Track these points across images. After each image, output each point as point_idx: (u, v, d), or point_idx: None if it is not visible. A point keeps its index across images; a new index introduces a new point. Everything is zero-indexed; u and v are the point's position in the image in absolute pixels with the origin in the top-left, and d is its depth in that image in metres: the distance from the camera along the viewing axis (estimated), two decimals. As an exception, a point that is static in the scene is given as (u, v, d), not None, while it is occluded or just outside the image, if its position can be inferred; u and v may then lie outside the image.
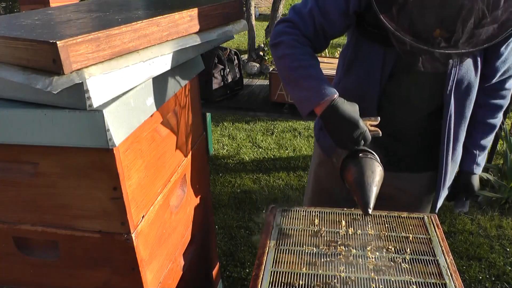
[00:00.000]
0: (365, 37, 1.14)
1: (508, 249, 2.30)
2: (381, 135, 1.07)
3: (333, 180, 1.39)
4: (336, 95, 1.06)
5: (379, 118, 1.09)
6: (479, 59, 1.14)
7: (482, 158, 1.33)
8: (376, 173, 1.03)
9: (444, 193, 1.34)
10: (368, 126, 1.06)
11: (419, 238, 1.09)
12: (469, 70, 1.14)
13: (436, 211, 1.33)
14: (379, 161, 1.06)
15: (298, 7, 1.14)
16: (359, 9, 1.09)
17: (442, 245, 1.06)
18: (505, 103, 1.28)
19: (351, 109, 1.04)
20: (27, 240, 1.05)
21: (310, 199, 1.54)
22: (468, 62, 1.13)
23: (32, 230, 1.01)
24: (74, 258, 1.03)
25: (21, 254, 1.06)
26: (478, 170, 1.33)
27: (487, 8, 0.94)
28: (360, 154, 1.05)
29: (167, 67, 0.99)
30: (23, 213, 1.00)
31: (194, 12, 1.01)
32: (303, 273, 0.97)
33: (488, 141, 1.32)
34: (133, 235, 0.96)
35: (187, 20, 0.99)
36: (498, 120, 1.30)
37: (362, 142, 1.04)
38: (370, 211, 1.00)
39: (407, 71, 1.13)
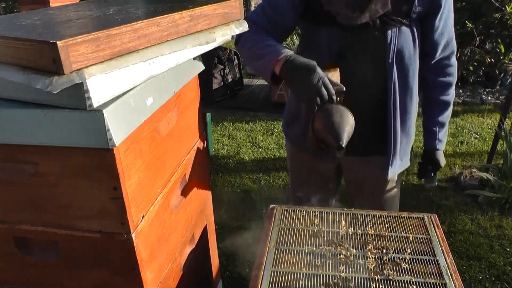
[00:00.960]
0: (311, 23, 1.25)
1: (508, 249, 2.30)
2: (344, 89, 1.09)
3: (308, 170, 1.50)
4: (292, 52, 1.12)
5: (338, 69, 1.15)
6: (415, 31, 1.22)
7: (442, 135, 1.40)
8: (345, 117, 1.02)
9: (396, 163, 1.38)
10: (330, 78, 1.07)
11: (419, 238, 1.09)
12: (407, 42, 1.22)
13: (388, 177, 1.38)
14: (348, 110, 1.06)
15: (256, 9, 1.29)
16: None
17: (442, 245, 1.06)
18: (452, 79, 1.34)
19: (307, 60, 1.08)
20: (27, 240, 1.05)
21: (293, 193, 1.61)
22: (406, 34, 1.21)
23: (32, 230, 1.01)
24: (74, 258, 1.03)
25: (21, 254, 1.06)
26: (441, 146, 1.40)
27: None
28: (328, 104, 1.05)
29: (167, 67, 0.99)
30: (23, 213, 1.00)
31: (194, 12, 1.01)
32: (303, 273, 0.97)
33: (445, 118, 1.38)
34: (133, 235, 0.96)
35: (187, 20, 0.99)
36: (450, 96, 1.37)
37: (323, 89, 1.04)
38: (343, 143, 0.99)
39: (351, 48, 1.23)
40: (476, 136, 3.69)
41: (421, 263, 1.00)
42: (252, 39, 1.22)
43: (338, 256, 1.02)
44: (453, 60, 1.33)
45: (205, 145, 1.44)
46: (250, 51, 1.22)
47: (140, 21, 0.86)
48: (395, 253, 1.03)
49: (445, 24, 1.24)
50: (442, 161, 1.42)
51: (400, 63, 1.24)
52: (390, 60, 1.22)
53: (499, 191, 2.65)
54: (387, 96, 1.27)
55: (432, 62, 1.31)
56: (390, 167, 1.36)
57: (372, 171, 1.42)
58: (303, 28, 1.34)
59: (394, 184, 1.48)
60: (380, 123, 1.31)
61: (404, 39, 1.21)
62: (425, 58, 1.31)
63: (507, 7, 3.74)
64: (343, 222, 1.15)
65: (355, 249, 1.04)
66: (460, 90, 4.68)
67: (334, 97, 1.05)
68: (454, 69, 1.33)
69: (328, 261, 1.00)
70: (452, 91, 1.37)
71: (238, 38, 1.25)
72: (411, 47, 1.23)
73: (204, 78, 2.61)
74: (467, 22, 3.84)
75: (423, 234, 1.10)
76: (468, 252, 2.28)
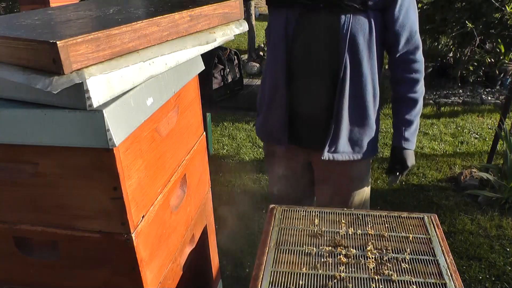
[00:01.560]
0: (271, 5, 1.32)
1: (508, 249, 2.30)
2: None
3: (282, 164, 1.53)
4: None
5: None
6: (373, 21, 1.24)
7: (410, 134, 1.38)
8: None
9: (340, 147, 1.38)
10: None
11: (419, 238, 1.09)
12: (362, 29, 1.24)
13: (323, 157, 1.38)
14: None
15: None
16: None
17: (442, 245, 1.06)
18: (419, 76, 1.35)
19: None
20: (27, 240, 1.05)
21: (273, 187, 1.65)
22: (361, 21, 1.23)
23: (32, 230, 1.01)
24: (74, 258, 1.03)
25: (21, 254, 1.06)
26: (408, 145, 1.39)
27: None
28: None
29: (167, 67, 0.99)
30: (23, 213, 1.00)
31: (194, 12, 1.01)
32: (303, 273, 0.97)
33: (412, 116, 1.38)
34: (133, 235, 0.96)
35: (187, 20, 0.99)
36: (418, 94, 1.37)
37: None
38: None
39: (305, 31, 1.26)
40: (476, 136, 3.69)
41: (421, 263, 1.00)
42: None
43: (338, 256, 1.02)
44: (419, 56, 1.33)
45: (205, 145, 1.44)
46: None
47: (140, 21, 0.86)
48: (395, 253, 1.03)
49: (406, 16, 1.25)
50: (410, 161, 1.40)
51: (353, 50, 1.24)
52: (342, 45, 1.23)
53: (499, 191, 2.65)
54: (336, 79, 1.29)
55: (397, 56, 1.32)
56: (326, 146, 1.36)
57: (335, 167, 1.43)
58: (269, 9, 1.39)
59: (359, 182, 1.48)
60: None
61: (359, 26, 1.22)
62: (389, 52, 1.33)
63: (507, 7, 3.74)
64: (343, 222, 1.15)
65: (355, 249, 1.04)
66: (460, 90, 4.68)
67: None
68: (420, 65, 1.33)
69: (328, 261, 1.01)
70: (419, 88, 1.36)
71: None
72: (366, 35, 1.24)
73: (204, 78, 2.61)
74: (467, 22, 3.84)
75: (423, 234, 1.10)
76: (468, 252, 2.28)
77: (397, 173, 1.44)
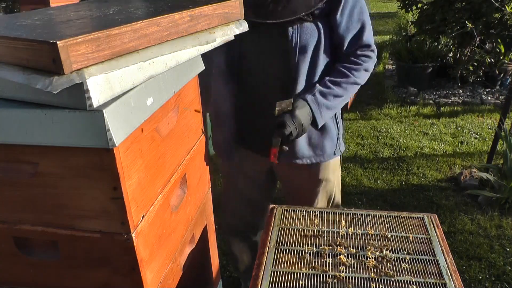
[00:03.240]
0: None
1: (508, 249, 2.30)
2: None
3: (235, 175, 1.56)
4: None
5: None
6: (321, 26, 1.24)
7: (323, 95, 1.24)
8: None
9: (299, 150, 1.35)
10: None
11: (419, 238, 1.09)
12: (311, 38, 1.23)
13: (276, 160, 1.29)
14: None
15: None
16: None
17: (442, 245, 1.06)
18: (364, 65, 1.29)
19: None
20: (27, 240, 1.05)
21: (224, 196, 1.71)
22: (309, 29, 1.23)
23: (32, 230, 1.01)
24: (74, 258, 1.03)
25: (21, 254, 1.06)
26: (311, 100, 1.23)
27: None
28: None
29: (167, 67, 0.99)
30: (23, 213, 1.00)
31: (194, 12, 1.01)
32: (303, 273, 0.97)
33: (337, 83, 1.25)
34: (133, 235, 0.96)
35: (187, 20, 0.99)
36: (352, 78, 1.27)
37: None
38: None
39: (256, 45, 1.27)
40: (476, 136, 3.69)
41: (421, 263, 1.00)
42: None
43: (338, 256, 1.02)
44: (367, 52, 1.30)
45: (205, 145, 1.44)
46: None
47: (140, 21, 0.86)
48: (395, 253, 1.03)
49: (350, 19, 1.25)
50: (302, 117, 1.19)
51: (304, 58, 1.24)
52: (293, 56, 1.23)
53: (499, 191, 2.65)
54: (290, 90, 1.28)
55: (343, 53, 1.31)
56: (288, 153, 1.30)
57: (296, 170, 1.43)
58: None
59: (324, 183, 1.47)
60: None
61: (308, 35, 1.22)
62: (336, 51, 1.32)
63: (507, 7, 3.74)
64: (343, 222, 1.15)
65: (355, 249, 1.04)
66: (460, 90, 4.68)
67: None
68: (366, 58, 1.30)
69: (328, 261, 1.01)
70: (359, 74, 1.29)
71: None
72: (315, 43, 1.24)
73: (204, 78, 2.61)
74: (467, 22, 3.84)
75: (423, 234, 1.10)
76: (468, 252, 2.28)
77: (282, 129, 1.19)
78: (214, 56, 1.31)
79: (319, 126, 1.27)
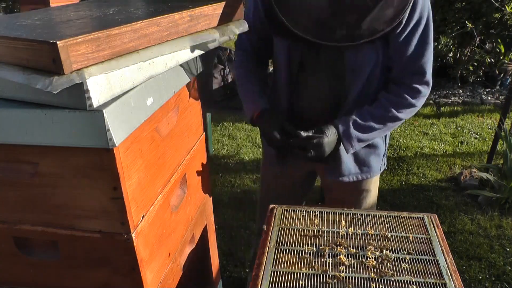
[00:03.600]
0: (274, 34, 1.27)
1: (508, 249, 2.30)
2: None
3: (274, 178, 1.52)
4: (260, 110, 1.28)
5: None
6: (379, 46, 1.16)
7: (357, 127, 1.20)
8: None
9: (346, 168, 1.33)
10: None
11: (419, 238, 1.09)
12: (368, 59, 1.17)
13: (329, 178, 1.34)
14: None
15: (239, 35, 1.33)
16: (266, 8, 1.23)
17: (442, 245, 1.06)
18: (411, 101, 1.20)
19: (265, 125, 1.27)
20: (27, 240, 1.05)
21: (260, 194, 1.66)
22: (367, 50, 1.16)
23: (32, 230, 1.01)
24: (74, 258, 1.03)
25: (21, 254, 1.06)
26: (342, 129, 1.20)
27: (363, 8, 1.06)
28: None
29: (167, 67, 0.99)
30: (23, 213, 1.00)
31: (194, 12, 1.01)
32: (303, 273, 0.97)
33: (376, 116, 1.21)
34: (133, 235, 0.96)
35: (187, 20, 0.99)
36: (395, 111, 1.20)
37: (275, 143, 1.24)
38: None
39: (310, 63, 1.23)
40: (476, 136, 3.69)
41: (421, 263, 1.00)
42: (238, 73, 1.38)
43: (338, 256, 1.02)
44: (417, 84, 1.20)
45: (205, 145, 1.44)
46: (238, 87, 1.39)
47: (140, 21, 0.86)
48: (395, 253, 1.03)
49: (406, 43, 1.15)
50: (327, 145, 1.18)
51: (360, 79, 1.20)
52: (347, 76, 1.20)
53: (499, 191, 2.65)
54: (342, 108, 1.25)
55: (393, 76, 1.23)
56: (334, 171, 1.32)
57: (340, 185, 1.40)
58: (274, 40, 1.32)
59: (365, 193, 1.46)
60: None
61: (365, 57, 1.16)
62: (388, 71, 1.25)
63: (507, 7, 3.74)
64: (343, 222, 1.15)
65: (355, 249, 1.04)
66: (460, 90, 4.68)
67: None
68: (415, 93, 1.20)
69: (328, 261, 1.01)
70: (403, 110, 1.21)
71: (234, 66, 1.40)
72: (372, 64, 1.18)
73: (204, 78, 2.61)
74: (467, 22, 3.84)
75: (423, 234, 1.10)
76: (468, 252, 2.28)
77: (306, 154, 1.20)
78: (278, 68, 1.31)
79: (350, 153, 1.26)
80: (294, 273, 0.97)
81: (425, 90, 1.21)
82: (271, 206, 1.23)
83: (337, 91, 1.25)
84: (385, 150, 1.41)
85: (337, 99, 1.26)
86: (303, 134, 1.19)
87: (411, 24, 1.13)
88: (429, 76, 1.20)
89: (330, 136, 1.20)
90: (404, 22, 1.12)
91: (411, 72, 1.20)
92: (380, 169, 1.42)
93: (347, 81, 1.21)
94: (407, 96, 1.20)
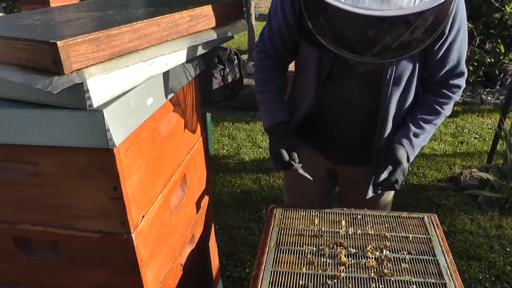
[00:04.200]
0: (304, 40, 1.23)
1: (508, 249, 2.30)
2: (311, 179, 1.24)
3: (299, 178, 1.45)
4: (274, 123, 1.28)
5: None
6: (417, 60, 1.17)
7: (417, 137, 1.24)
8: None
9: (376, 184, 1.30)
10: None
11: (419, 238, 1.09)
12: (406, 67, 1.17)
13: (367, 197, 1.28)
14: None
15: (262, 32, 1.31)
16: (297, 17, 1.19)
17: (442, 245, 1.06)
18: (453, 96, 1.25)
19: (275, 139, 1.27)
20: (27, 240, 1.05)
21: (286, 196, 1.60)
22: (405, 65, 1.16)
23: (32, 230, 1.01)
24: (74, 258, 1.03)
25: (21, 254, 1.06)
26: (407, 145, 1.24)
27: (404, 25, 1.02)
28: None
29: (167, 67, 0.99)
30: (23, 213, 1.00)
31: (194, 12, 1.01)
32: (303, 273, 0.97)
33: (429, 121, 1.25)
34: (133, 235, 0.96)
35: (187, 20, 0.99)
36: (444, 111, 1.26)
37: (279, 164, 1.23)
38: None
39: (341, 70, 1.21)
40: (476, 136, 3.69)
41: (421, 263, 1.00)
42: (258, 82, 1.34)
43: (338, 256, 1.02)
44: (459, 81, 1.24)
45: (205, 145, 1.44)
46: (256, 93, 1.37)
47: (140, 21, 0.86)
48: (395, 253, 1.03)
49: (448, 52, 1.18)
50: (403, 160, 1.22)
51: (398, 88, 1.20)
52: (386, 86, 1.19)
53: (499, 191, 2.65)
54: (377, 118, 1.24)
55: (435, 81, 1.25)
56: (370, 187, 1.29)
57: (360, 179, 1.38)
58: (300, 43, 1.30)
59: (384, 195, 1.44)
60: (370, 139, 1.29)
61: (403, 70, 1.17)
62: (428, 77, 1.27)
63: (507, 7, 3.74)
64: (343, 222, 1.15)
65: (355, 249, 1.04)
66: (460, 90, 4.68)
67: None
68: (457, 89, 1.25)
69: (328, 261, 1.01)
70: (449, 107, 1.27)
71: (254, 70, 1.36)
72: (409, 74, 1.19)
73: (204, 78, 2.61)
74: (467, 22, 3.84)
75: (423, 234, 1.10)
76: (468, 252, 2.28)
77: (388, 175, 1.23)
78: (305, 66, 1.27)
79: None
80: (294, 273, 0.97)
81: (464, 83, 1.27)
82: (271, 206, 1.23)
83: (371, 101, 1.23)
84: None
85: (370, 109, 1.25)
86: (393, 179, 1.20)
87: (453, 33, 1.16)
88: (466, 71, 1.25)
89: (402, 155, 1.23)
90: (446, 32, 1.14)
91: (454, 74, 1.24)
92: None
93: (384, 92, 1.20)
94: (451, 94, 1.26)
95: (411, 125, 1.26)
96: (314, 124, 1.34)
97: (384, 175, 1.21)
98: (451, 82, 1.24)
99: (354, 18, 0.95)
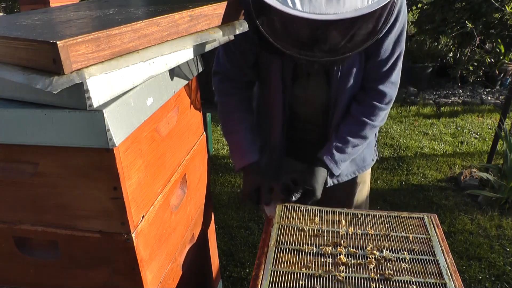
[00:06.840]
0: (265, 51, 1.24)
1: (508, 249, 2.30)
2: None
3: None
4: (245, 165, 1.30)
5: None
6: (363, 56, 1.20)
7: (340, 151, 1.26)
8: None
9: (338, 170, 1.33)
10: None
11: (419, 238, 1.09)
12: (352, 66, 1.21)
13: (327, 185, 1.32)
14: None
15: (217, 58, 1.35)
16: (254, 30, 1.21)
17: (442, 245, 1.06)
18: (382, 108, 1.26)
19: (247, 180, 1.32)
20: (27, 240, 1.05)
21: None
22: (352, 59, 1.19)
23: (32, 230, 1.01)
24: (74, 258, 1.03)
25: (21, 254, 1.06)
26: (328, 161, 1.26)
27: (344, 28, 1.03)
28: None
29: (167, 67, 0.99)
30: (23, 213, 1.00)
31: (194, 12, 1.01)
32: (303, 273, 0.97)
33: (355, 133, 1.26)
34: (133, 235, 0.96)
35: (187, 20, 0.99)
36: (374, 121, 1.27)
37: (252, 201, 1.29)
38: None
39: (302, 75, 1.26)
40: (476, 136, 3.69)
41: (421, 263, 1.00)
42: (224, 122, 1.40)
43: (338, 256, 1.02)
44: (389, 89, 1.25)
45: (205, 145, 1.44)
46: (223, 133, 1.42)
47: (140, 21, 0.86)
48: (395, 253, 1.03)
49: (383, 52, 1.19)
50: (318, 180, 1.24)
51: (346, 85, 1.24)
52: (334, 83, 1.23)
53: (499, 191, 2.65)
54: (329, 114, 1.29)
55: (366, 84, 1.27)
56: (328, 177, 1.32)
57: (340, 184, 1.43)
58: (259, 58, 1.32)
59: (362, 185, 1.49)
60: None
61: (349, 64, 1.21)
62: (362, 82, 1.29)
63: (507, 7, 3.74)
64: (343, 222, 1.15)
65: (355, 249, 1.04)
66: (460, 90, 4.68)
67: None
68: (384, 97, 1.25)
69: (328, 261, 1.01)
70: (376, 117, 1.27)
71: (218, 103, 1.39)
72: (356, 70, 1.22)
73: (204, 78, 2.61)
74: (467, 22, 3.84)
75: (423, 234, 1.10)
76: (468, 252, 2.28)
77: (292, 194, 1.24)
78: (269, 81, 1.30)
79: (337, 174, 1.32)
80: (294, 273, 0.97)
81: (391, 92, 1.26)
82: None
83: (326, 99, 1.28)
84: (376, 141, 1.46)
85: (326, 106, 1.30)
86: (293, 198, 1.23)
87: (391, 35, 1.17)
88: (394, 78, 1.25)
89: (319, 181, 1.25)
90: (383, 32, 1.13)
91: (384, 80, 1.24)
92: (373, 160, 1.47)
93: (334, 88, 1.24)
94: (377, 103, 1.26)
95: (334, 138, 1.28)
96: (288, 131, 1.37)
97: (296, 196, 1.23)
98: (380, 87, 1.24)
99: (298, 20, 0.98)
